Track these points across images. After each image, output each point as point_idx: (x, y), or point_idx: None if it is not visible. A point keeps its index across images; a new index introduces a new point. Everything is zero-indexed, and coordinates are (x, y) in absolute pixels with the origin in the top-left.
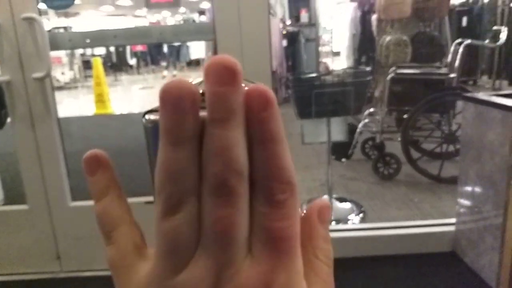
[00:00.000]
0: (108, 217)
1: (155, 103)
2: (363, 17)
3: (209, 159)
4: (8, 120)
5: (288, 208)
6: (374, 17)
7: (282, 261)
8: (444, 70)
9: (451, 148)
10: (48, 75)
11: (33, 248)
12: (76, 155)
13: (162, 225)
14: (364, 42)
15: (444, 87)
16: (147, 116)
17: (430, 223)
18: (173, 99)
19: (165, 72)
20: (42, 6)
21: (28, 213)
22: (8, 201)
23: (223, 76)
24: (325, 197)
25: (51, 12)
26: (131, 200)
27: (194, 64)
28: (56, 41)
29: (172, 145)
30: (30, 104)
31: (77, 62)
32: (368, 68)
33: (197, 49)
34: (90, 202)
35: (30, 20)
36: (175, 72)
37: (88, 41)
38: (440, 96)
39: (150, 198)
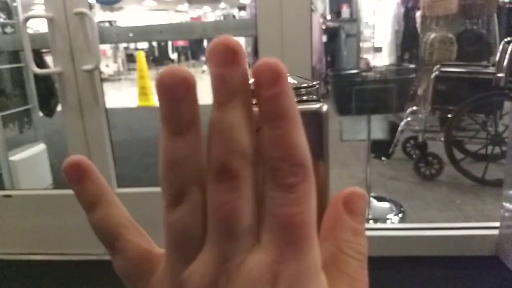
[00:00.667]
0: (107, 227)
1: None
2: (407, 13)
3: (210, 143)
4: (58, 109)
5: (300, 193)
6: (418, 14)
7: (291, 250)
8: (491, 69)
9: (497, 150)
10: (97, 67)
11: (79, 231)
12: (121, 144)
13: (167, 217)
14: (407, 39)
15: (491, 86)
16: None
17: (472, 226)
18: (166, 87)
19: (205, 67)
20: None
21: (76, 198)
22: (57, 185)
23: (223, 57)
24: None
25: (97, 6)
26: None
27: None
28: (105, 35)
29: (171, 134)
30: (80, 95)
31: (121, 55)
32: (412, 66)
33: None
34: (135, 189)
35: (81, 15)
36: None
37: (134, 35)
38: (487, 96)
39: None
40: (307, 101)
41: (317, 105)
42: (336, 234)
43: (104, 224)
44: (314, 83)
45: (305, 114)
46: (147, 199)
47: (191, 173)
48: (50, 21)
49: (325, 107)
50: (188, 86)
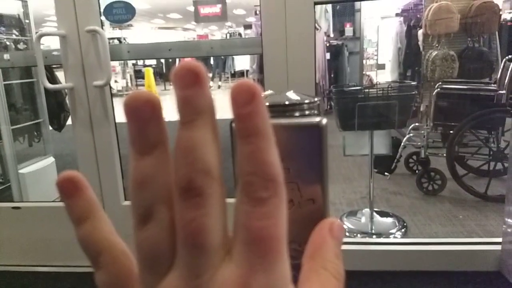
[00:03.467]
0: (92, 242)
1: None
2: (409, 32)
3: (176, 162)
4: (67, 123)
5: (270, 207)
6: (420, 32)
7: (261, 263)
8: (493, 87)
9: (499, 166)
10: (107, 83)
11: None
12: (129, 158)
13: (136, 236)
14: (410, 56)
15: (493, 103)
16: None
17: (475, 241)
18: (132, 109)
19: (211, 83)
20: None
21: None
22: None
23: (187, 79)
24: (366, 210)
25: (106, 23)
26: None
27: (238, 75)
28: (116, 52)
29: (138, 154)
30: (90, 110)
31: (129, 71)
32: (414, 83)
33: (242, 61)
34: None
35: (93, 33)
36: (220, 83)
37: (145, 53)
38: (489, 112)
39: None
40: (309, 115)
41: (317, 119)
42: (322, 254)
43: (90, 238)
44: (316, 99)
45: (306, 127)
46: None
47: (159, 191)
48: (63, 38)
49: (324, 121)
50: (153, 107)
